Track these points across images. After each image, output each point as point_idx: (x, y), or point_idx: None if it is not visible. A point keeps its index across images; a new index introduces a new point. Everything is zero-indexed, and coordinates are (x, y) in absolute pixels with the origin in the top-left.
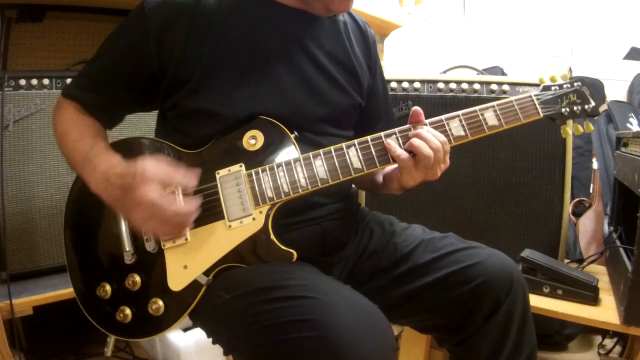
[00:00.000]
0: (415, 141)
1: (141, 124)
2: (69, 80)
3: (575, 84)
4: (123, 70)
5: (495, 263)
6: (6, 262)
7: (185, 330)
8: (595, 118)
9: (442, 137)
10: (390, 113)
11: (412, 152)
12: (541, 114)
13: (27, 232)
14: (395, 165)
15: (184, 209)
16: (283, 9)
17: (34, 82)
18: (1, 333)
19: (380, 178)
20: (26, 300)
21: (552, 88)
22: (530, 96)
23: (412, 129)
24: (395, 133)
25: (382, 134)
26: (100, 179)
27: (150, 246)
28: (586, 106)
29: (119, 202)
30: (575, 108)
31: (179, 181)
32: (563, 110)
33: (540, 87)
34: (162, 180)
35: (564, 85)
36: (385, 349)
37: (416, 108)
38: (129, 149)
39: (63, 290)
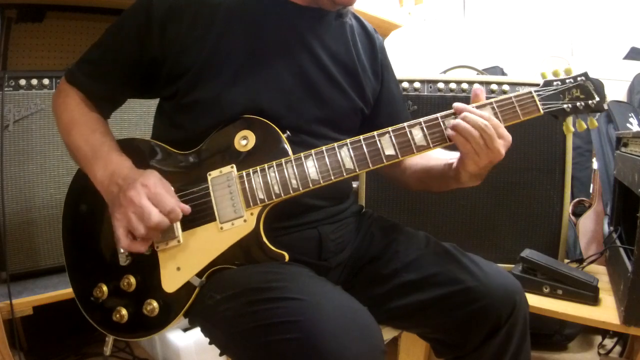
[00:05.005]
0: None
1: (141, 124)
2: None
3: (579, 78)
4: (125, 54)
5: (498, 285)
6: (6, 262)
7: (185, 330)
8: (597, 115)
9: (485, 114)
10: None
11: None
12: (542, 111)
13: (27, 232)
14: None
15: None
16: (289, 5)
17: (34, 82)
18: (1, 333)
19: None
20: (26, 300)
21: (554, 83)
22: (531, 92)
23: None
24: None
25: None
26: (108, 175)
27: None
28: (590, 102)
29: (115, 200)
30: (578, 104)
31: (167, 208)
32: (565, 106)
33: (542, 83)
34: (154, 196)
35: (567, 80)
36: (372, 353)
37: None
38: (129, 150)
39: (63, 290)
